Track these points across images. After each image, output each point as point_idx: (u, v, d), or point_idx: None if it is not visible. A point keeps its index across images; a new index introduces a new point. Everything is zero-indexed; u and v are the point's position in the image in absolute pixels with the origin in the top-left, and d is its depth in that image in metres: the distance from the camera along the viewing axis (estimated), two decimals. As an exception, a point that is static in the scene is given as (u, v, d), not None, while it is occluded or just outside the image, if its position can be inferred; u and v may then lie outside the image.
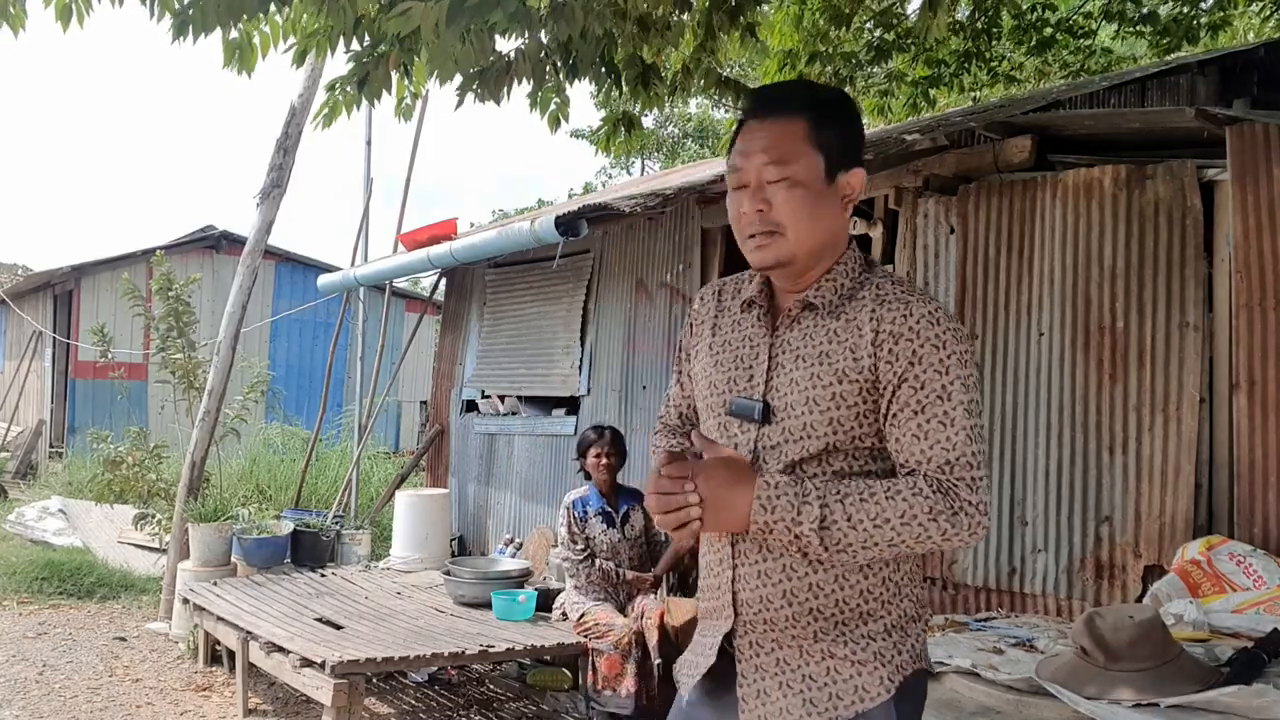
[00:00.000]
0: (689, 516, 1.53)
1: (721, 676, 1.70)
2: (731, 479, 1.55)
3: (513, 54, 3.28)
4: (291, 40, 3.38)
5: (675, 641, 4.24)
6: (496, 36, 2.96)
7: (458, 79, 3.09)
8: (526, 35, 3.12)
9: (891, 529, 1.51)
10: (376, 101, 3.28)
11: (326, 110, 3.40)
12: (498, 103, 3.32)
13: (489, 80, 3.24)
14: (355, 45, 3.13)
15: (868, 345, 1.58)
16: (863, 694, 1.59)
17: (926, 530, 1.52)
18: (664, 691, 4.25)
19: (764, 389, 1.65)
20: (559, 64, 3.47)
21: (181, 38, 2.80)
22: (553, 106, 3.71)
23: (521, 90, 3.47)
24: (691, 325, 1.85)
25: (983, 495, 1.56)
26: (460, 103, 3.26)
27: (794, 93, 1.70)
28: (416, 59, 3.26)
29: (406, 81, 3.68)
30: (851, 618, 1.61)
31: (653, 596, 4.66)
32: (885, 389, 1.58)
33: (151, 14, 2.89)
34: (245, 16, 2.94)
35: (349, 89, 3.27)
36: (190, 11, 2.75)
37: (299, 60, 3.26)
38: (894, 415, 1.57)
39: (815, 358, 1.62)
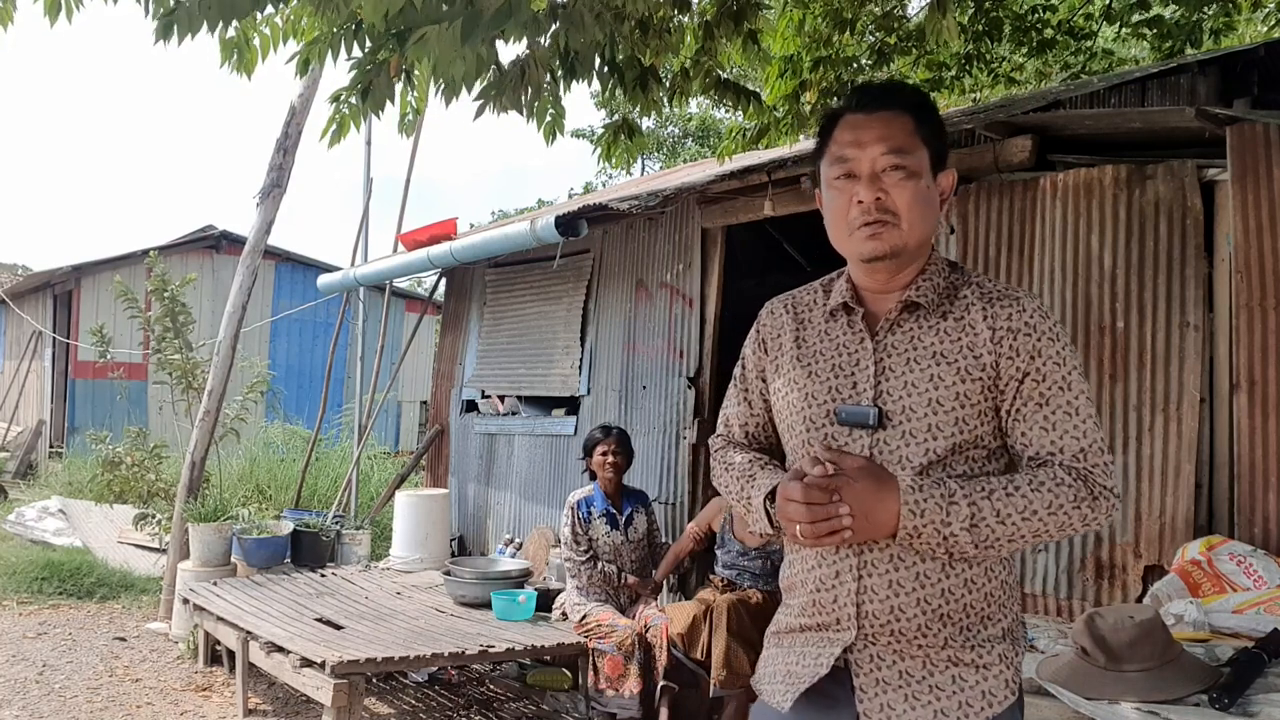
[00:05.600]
0: (840, 526, 1.52)
1: (821, 692, 1.64)
2: (877, 487, 1.54)
3: (527, 62, 3.24)
4: (292, 43, 3.35)
5: (682, 648, 4.22)
6: (498, 43, 2.94)
7: (475, 88, 3.05)
8: (527, 40, 3.10)
9: (1039, 520, 1.53)
10: (380, 114, 3.24)
11: (334, 126, 3.35)
12: (520, 111, 3.28)
13: (506, 90, 3.19)
14: (357, 51, 3.10)
15: (986, 343, 1.60)
16: (990, 699, 1.58)
17: (1070, 519, 1.54)
18: (667, 696, 4.25)
19: (873, 394, 1.62)
20: (557, 68, 3.44)
21: (165, 40, 2.75)
22: (549, 118, 3.65)
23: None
24: (764, 341, 1.80)
25: (1114, 480, 1.59)
26: (479, 114, 3.21)
27: (897, 90, 1.71)
28: (418, 66, 3.23)
29: (410, 93, 3.64)
30: (975, 622, 1.60)
31: (654, 605, 4.64)
32: (1007, 385, 1.59)
33: (146, 12, 2.86)
34: (236, 18, 2.90)
35: (353, 100, 3.23)
36: (175, 13, 2.71)
37: (302, 70, 3.23)
38: (1018, 410, 1.60)
39: (930, 358, 1.61)
